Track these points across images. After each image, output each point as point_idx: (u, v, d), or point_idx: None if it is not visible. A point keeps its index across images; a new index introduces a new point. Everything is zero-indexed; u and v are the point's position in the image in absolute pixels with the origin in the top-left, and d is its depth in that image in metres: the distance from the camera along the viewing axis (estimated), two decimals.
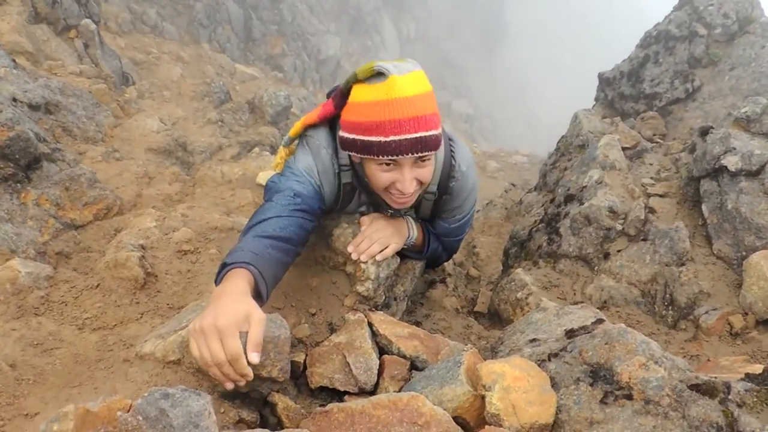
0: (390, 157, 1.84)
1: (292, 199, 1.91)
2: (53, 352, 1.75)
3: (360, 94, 1.85)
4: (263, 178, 3.90)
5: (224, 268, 1.63)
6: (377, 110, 1.79)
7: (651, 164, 3.56)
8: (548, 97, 33.19)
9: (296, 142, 2.26)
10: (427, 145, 1.82)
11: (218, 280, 1.63)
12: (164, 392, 1.08)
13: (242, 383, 1.46)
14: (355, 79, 1.88)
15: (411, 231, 2.27)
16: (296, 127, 2.23)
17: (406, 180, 1.91)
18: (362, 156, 1.91)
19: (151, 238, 2.47)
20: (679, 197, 2.84)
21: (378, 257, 2.13)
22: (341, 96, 1.97)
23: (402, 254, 2.36)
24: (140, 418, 1.06)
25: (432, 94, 1.90)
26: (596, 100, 6.04)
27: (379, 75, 1.81)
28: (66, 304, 2.00)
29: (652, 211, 2.72)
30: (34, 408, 1.52)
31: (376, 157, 1.87)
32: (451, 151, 2.20)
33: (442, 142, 2.01)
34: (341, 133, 1.96)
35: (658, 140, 4.68)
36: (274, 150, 5.47)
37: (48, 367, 1.68)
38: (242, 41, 12.49)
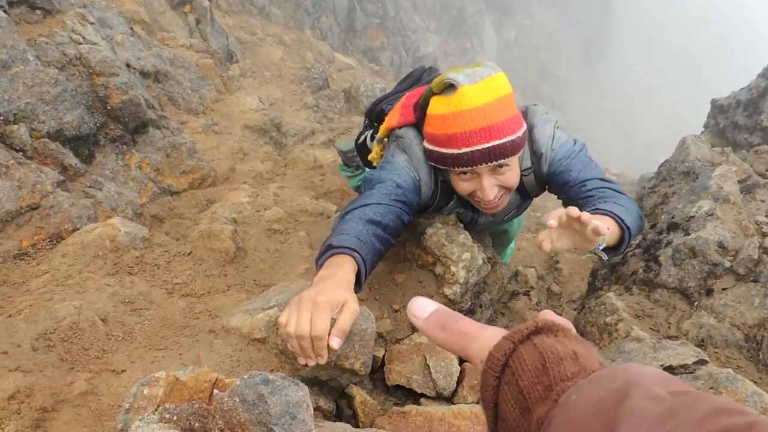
0: (465, 168, 1.85)
1: (395, 189, 1.89)
2: (143, 312, 1.78)
3: (435, 106, 1.88)
4: None
5: (329, 249, 1.60)
6: (448, 123, 1.81)
7: (763, 201, 3.32)
8: (646, 118, 31.91)
9: (386, 140, 2.25)
10: (502, 153, 1.81)
11: (322, 259, 1.60)
12: (264, 377, 1.05)
13: (312, 363, 1.42)
14: (431, 93, 1.89)
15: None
16: (382, 129, 2.26)
17: (485, 189, 1.91)
18: (440, 167, 1.94)
19: (243, 213, 2.50)
20: None
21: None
22: (420, 109, 1.99)
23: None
24: (237, 400, 1.04)
25: (508, 97, 1.86)
26: (705, 127, 5.71)
27: (450, 87, 1.82)
28: (158, 267, 2.04)
29: (766, 251, 2.52)
30: (120, 365, 1.54)
31: (452, 168, 1.89)
32: (530, 132, 2.05)
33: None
34: (424, 144, 1.98)
35: None
36: None
37: (137, 327, 1.70)
38: (343, 31, 12.60)
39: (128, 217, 2.49)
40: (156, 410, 1.06)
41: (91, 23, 3.05)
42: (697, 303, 2.51)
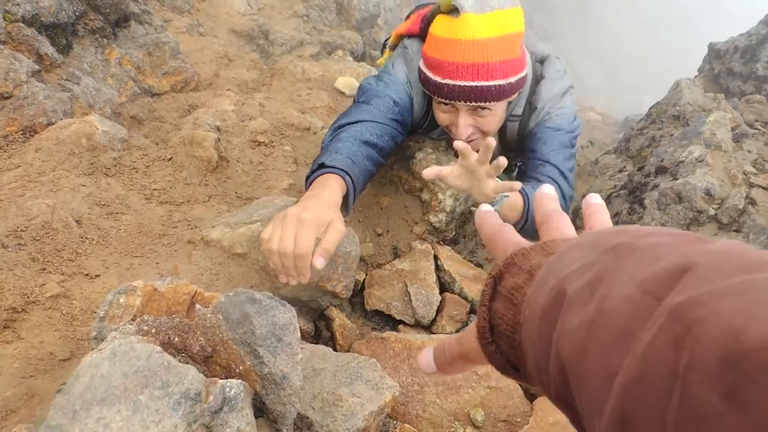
0: (444, 100, 1.77)
1: (392, 106, 1.81)
2: (119, 216, 1.71)
3: (436, 26, 1.75)
4: (342, 83, 3.77)
5: (321, 168, 1.53)
6: (442, 48, 1.70)
7: (749, 151, 3.31)
8: (635, 58, 31.43)
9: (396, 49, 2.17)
10: (483, 96, 1.69)
11: (312, 177, 1.54)
12: (251, 296, 1.01)
13: (294, 282, 1.39)
14: (438, 10, 1.76)
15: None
16: (393, 35, 2.17)
17: (459, 126, 1.82)
18: (424, 90, 1.85)
19: (227, 121, 2.40)
20: None
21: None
22: (426, 23, 1.86)
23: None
24: (220, 317, 1.00)
25: (514, 37, 1.73)
26: (700, 71, 5.63)
27: (455, 10, 1.68)
28: (137, 171, 1.96)
29: (752, 202, 2.52)
30: (94, 270, 1.49)
31: (433, 95, 1.81)
32: (536, 83, 1.97)
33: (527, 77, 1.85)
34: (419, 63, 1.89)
35: (759, 127, 4.37)
36: (355, 56, 5.31)
37: (112, 231, 1.64)
38: None
39: (106, 115, 2.37)
40: (133, 320, 1.01)
41: None
42: None
